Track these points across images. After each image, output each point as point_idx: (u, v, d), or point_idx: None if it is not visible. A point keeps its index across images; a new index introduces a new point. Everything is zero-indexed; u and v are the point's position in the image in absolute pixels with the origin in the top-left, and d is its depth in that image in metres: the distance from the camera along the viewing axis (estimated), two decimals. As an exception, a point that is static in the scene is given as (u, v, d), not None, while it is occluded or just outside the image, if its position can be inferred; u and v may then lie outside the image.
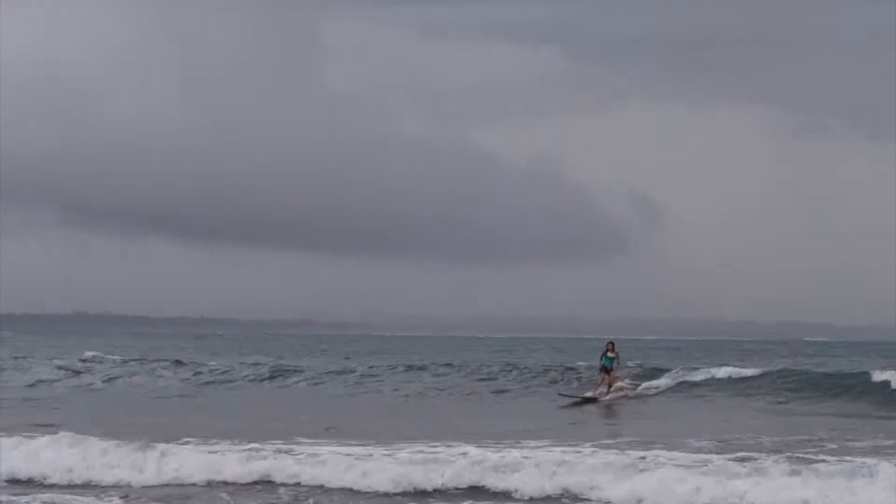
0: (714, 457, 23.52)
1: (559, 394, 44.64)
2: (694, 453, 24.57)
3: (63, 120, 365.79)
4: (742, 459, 22.71)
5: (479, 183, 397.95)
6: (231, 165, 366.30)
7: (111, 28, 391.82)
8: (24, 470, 23.61)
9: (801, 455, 24.01)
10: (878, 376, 43.75)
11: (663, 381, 47.25)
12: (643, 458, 23.25)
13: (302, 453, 24.01)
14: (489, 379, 50.91)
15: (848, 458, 23.61)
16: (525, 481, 21.47)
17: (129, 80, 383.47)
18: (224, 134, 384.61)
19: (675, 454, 24.10)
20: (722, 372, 47.79)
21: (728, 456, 23.53)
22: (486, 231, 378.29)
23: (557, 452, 24.14)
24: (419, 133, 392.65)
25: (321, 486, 22.10)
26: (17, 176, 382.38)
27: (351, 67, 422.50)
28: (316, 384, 50.49)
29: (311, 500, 21.12)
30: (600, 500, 20.83)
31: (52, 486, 22.67)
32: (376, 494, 21.56)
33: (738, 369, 48.95)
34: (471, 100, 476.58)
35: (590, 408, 41.51)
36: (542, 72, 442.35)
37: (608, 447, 25.85)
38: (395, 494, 21.49)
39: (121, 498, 21.43)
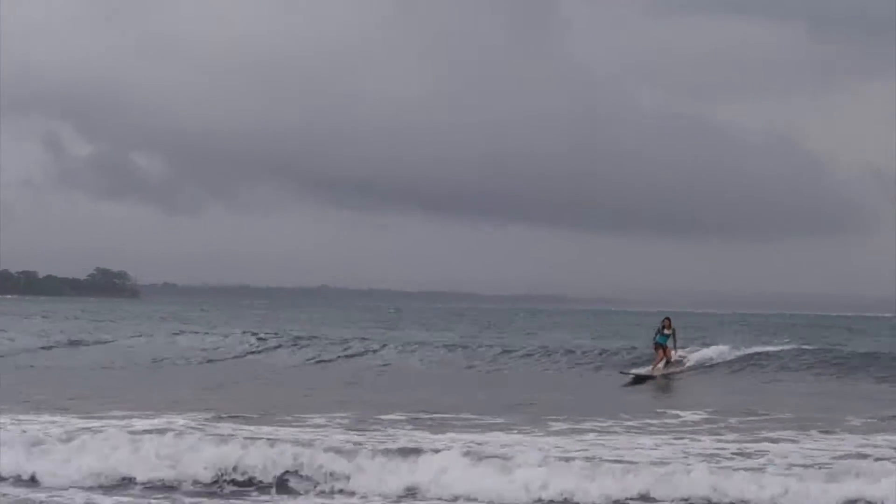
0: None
1: (620, 371, 44.93)
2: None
3: (304, 98, 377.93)
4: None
5: (715, 156, 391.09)
6: (469, 140, 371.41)
7: (352, 8, 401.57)
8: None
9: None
10: None
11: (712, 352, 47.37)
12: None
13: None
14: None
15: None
16: None
17: (370, 58, 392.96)
18: (462, 109, 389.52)
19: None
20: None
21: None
22: (723, 204, 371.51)
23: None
24: (657, 106, 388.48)
25: None
26: (260, 153, 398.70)
27: (589, 40, 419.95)
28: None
29: None
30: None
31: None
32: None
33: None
34: (708, 73, 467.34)
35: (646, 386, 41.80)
36: (780, 47, 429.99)
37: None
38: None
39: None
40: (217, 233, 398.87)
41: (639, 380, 43.13)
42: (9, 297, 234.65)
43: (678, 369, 44.74)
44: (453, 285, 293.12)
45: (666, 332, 44.04)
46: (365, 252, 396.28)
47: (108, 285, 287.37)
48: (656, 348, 44.40)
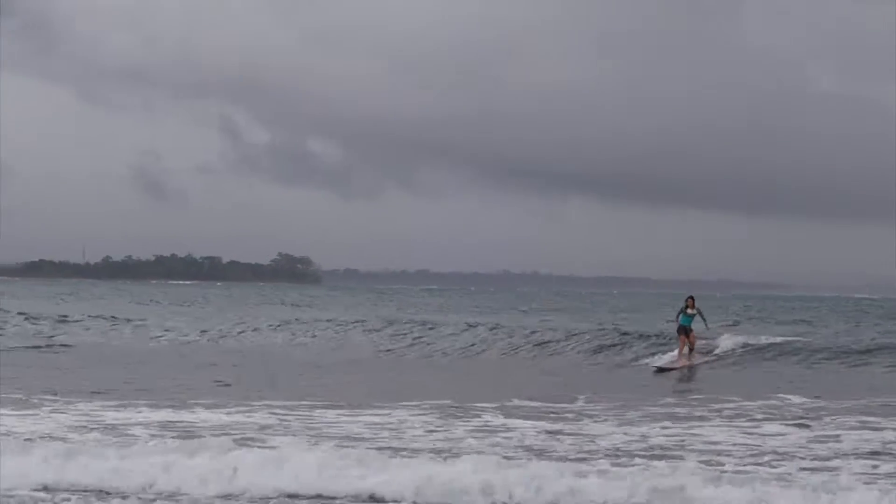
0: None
1: (651, 366, 39.01)
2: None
3: (478, 84, 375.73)
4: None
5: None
6: (647, 123, 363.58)
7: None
8: None
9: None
10: None
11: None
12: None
13: None
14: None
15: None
16: None
17: (542, 43, 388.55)
18: (640, 91, 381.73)
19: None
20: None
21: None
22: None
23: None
24: (834, 88, 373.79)
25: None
26: (435, 139, 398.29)
27: (768, 21, 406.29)
28: None
29: None
30: None
31: None
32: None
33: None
34: (887, 54, 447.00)
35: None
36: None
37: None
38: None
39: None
40: (394, 218, 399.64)
41: (662, 372, 37.63)
42: (188, 282, 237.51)
43: (705, 359, 38.72)
44: (625, 270, 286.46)
45: (690, 311, 38.53)
46: (541, 236, 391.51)
47: (291, 271, 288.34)
48: (679, 332, 38.53)
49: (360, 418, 22.68)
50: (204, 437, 18.32)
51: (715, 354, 39.59)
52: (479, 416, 23.22)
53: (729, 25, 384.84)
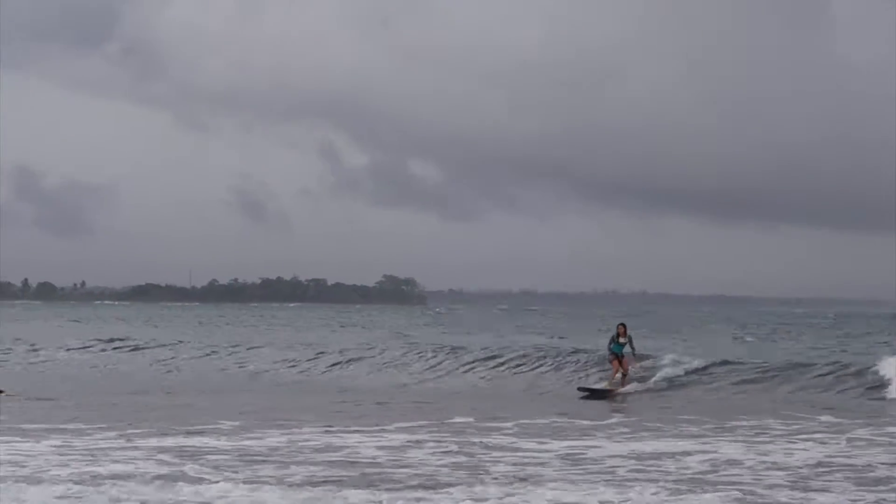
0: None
1: (578, 388, 38.31)
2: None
3: (575, 101, 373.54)
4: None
5: None
6: (736, 140, 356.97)
7: (617, 10, 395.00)
8: None
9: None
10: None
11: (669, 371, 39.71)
12: None
13: None
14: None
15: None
16: None
17: (637, 59, 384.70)
18: (731, 110, 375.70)
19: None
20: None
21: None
22: None
23: None
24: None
25: None
26: (534, 157, 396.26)
27: (860, 36, 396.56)
28: None
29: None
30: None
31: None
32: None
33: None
34: None
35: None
36: None
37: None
38: None
39: None
40: (496, 238, 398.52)
41: (596, 395, 36.67)
42: (292, 304, 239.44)
43: (635, 387, 37.51)
44: (727, 287, 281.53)
45: (621, 340, 37.61)
46: (641, 254, 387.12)
47: (396, 292, 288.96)
48: (612, 359, 37.50)
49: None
50: None
51: (652, 382, 38.39)
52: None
53: (819, 36, 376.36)
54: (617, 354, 37.32)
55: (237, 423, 25.94)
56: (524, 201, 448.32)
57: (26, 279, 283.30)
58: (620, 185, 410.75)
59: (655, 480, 18.04)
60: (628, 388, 37.15)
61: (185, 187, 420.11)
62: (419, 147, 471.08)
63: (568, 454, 21.30)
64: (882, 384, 36.00)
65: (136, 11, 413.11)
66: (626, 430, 25.50)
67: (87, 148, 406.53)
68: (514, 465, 19.75)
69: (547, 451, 21.76)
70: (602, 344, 40.09)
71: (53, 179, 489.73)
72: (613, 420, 28.09)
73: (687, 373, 39.61)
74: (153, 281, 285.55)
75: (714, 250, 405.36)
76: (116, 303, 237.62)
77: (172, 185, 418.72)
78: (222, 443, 22.48)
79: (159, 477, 17.99)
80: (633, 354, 37.69)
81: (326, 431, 24.58)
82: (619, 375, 37.20)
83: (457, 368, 44.63)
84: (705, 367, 40.05)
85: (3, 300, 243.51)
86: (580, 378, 40.59)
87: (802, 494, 16.98)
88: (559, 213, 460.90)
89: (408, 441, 22.99)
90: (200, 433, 24.05)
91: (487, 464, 19.88)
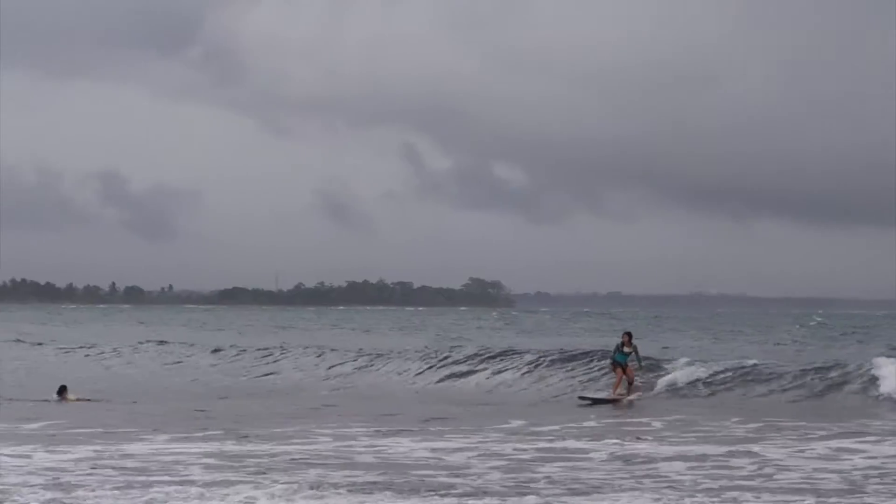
0: None
1: (579, 397, 36.99)
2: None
3: (664, 104, 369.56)
4: None
5: None
6: (832, 141, 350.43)
7: (710, 15, 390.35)
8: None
9: None
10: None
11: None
12: None
13: None
14: None
15: None
16: None
17: (729, 61, 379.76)
18: (821, 113, 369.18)
19: None
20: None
21: None
22: None
23: None
24: None
25: None
26: (621, 160, 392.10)
27: None
28: None
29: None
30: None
31: None
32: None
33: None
34: None
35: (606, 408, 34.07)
36: None
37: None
38: None
39: None
40: (582, 241, 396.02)
41: (598, 403, 35.64)
42: (380, 307, 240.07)
43: (639, 395, 36.54)
44: (820, 290, 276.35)
45: (626, 349, 36.41)
46: (733, 257, 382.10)
47: (482, 295, 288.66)
48: (614, 367, 36.70)
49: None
50: None
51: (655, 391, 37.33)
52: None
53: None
54: (620, 363, 36.16)
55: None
56: (611, 203, 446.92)
57: (114, 283, 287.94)
58: (709, 187, 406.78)
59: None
60: (633, 396, 36.16)
61: (270, 192, 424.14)
62: (503, 150, 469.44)
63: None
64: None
65: (217, 17, 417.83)
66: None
67: (172, 153, 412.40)
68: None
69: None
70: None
71: (139, 184, 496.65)
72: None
73: (688, 382, 38.19)
74: (240, 285, 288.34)
75: (806, 252, 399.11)
76: (206, 306, 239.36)
77: (257, 189, 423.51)
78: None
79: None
80: (640, 365, 36.70)
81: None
82: (622, 386, 36.21)
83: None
84: (715, 374, 38.61)
85: (91, 304, 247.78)
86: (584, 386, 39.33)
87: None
88: (647, 215, 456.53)
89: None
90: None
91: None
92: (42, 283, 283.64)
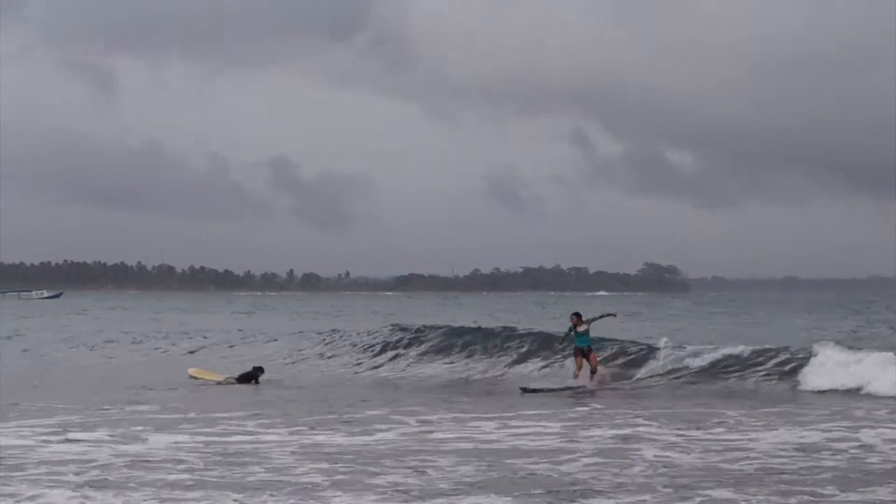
0: None
1: (521, 388, 34.18)
2: None
3: (836, 89, 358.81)
4: None
5: None
6: None
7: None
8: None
9: None
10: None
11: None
12: None
13: None
14: None
15: None
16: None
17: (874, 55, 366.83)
18: None
19: None
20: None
21: None
22: None
23: None
24: None
25: None
26: (790, 144, 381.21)
27: None
28: None
29: None
30: None
31: None
32: None
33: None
34: None
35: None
36: None
37: None
38: None
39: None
40: (755, 225, 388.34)
41: (541, 395, 32.64)
42: (552, 293, 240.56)
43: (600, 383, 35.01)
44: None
45: (580, 329, 34.63)
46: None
47: (658, 280, 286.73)
48: (577, 354, 34.86)
49: None
50: None
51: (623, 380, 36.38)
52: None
53: None
54: (581, 349, 34.46)
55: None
56: (784, 188, 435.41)
57: (291, 270, 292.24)
58: (883, 172, 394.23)
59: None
60: (593, 384, 33.93)
61: (439, 177, 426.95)
62: (673, 135, 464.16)
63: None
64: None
65: (385, 3, 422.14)
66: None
67: (341, 139, 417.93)
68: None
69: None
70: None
71: (311, 170, 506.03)
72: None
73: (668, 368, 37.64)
74: (416, 271, 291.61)
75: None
76: (387, 293, 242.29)
77: (426, 175, 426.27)
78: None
79: None
80: (614, 315, 36.67)
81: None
82: (584, 374, 34.26)
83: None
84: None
85: (269, 291, 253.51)
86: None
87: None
88: (821, 199, 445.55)
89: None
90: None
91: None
92: (220, 270, 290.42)
